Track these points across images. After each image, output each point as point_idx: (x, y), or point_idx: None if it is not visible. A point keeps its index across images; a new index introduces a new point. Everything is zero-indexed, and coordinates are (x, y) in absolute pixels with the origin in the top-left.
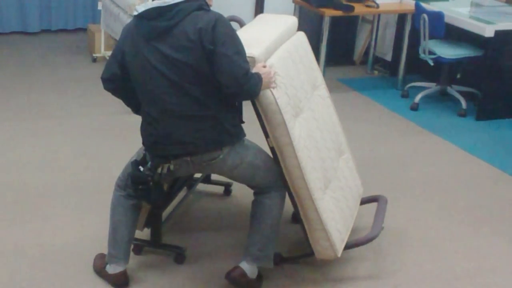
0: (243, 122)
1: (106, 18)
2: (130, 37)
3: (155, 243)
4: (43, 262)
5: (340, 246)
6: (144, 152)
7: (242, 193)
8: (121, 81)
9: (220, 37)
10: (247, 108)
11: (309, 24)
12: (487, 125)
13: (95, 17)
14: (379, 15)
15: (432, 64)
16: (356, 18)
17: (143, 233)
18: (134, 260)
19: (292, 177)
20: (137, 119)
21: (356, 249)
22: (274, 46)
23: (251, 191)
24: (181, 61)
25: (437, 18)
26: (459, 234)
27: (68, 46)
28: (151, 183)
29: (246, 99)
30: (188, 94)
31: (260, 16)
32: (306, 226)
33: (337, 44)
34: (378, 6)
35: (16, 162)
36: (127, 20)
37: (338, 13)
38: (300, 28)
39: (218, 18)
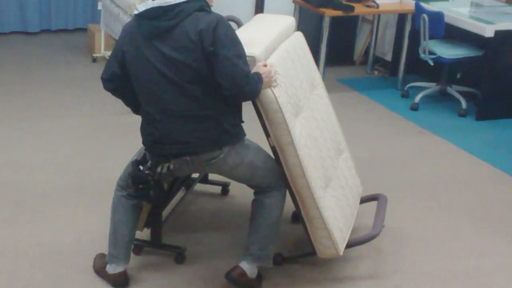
0: (242, 122)
1: (106, 18)
2: (130, 36)
3: (155, 244)
4: (43, 262)
5: (342, 245)
6: (144, 151)
7: (240, 192)
8: (121, 81)
9: (221, 39)
10: (247, 107)
11: (309, 24)
12: (487, 125)
13: (95, 17)
14: (379, 15)
15: (432, 64)
16: (356, 18)
17: (143, 234)
18: (134, 260)
19: (293, 176)
20: (137, 119)
21: (356, 248)
22: (273, 46)
23: (249, 191)
24: (181, 61)
25: (437, 18)
26: (459, 234)
27: (68, 46)
28: (151, 182)
29: (246, 100)
30: (188, 94)
31: (258, 16)
32: (307, 225)
33: (337, 44)
34: (378, 6)
35: (16, 162)
36: (127, 20)
37: (338, 13)
38: (300, 28)
39: (219, 19)
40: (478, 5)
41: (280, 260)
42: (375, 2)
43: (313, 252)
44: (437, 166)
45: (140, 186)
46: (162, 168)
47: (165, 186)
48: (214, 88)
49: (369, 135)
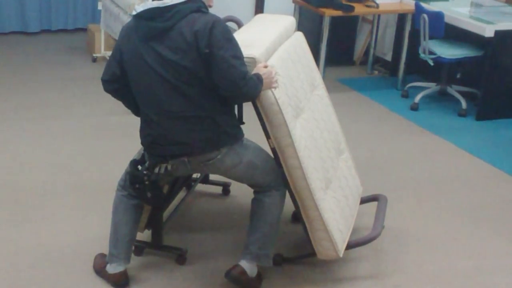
0: (243, 123)
1: (106, 18)
2: (128, 37)
3: (156, 245)
4: (43, 262)
5: (342, 246)
6: (143, 151)
7: (241, 192)
8: (121, 82)
9: (217, 41)
10: (247, 108)
11: (309, 24)
12: (487, 125)
13: (95, 17)
14: (379, 15)
15: (432, 64)
16: (356, 18)
17: (144, 235)
18: (134, 260)
19: (293, 178)
20: (137, 120)
21: (356, 249)
22: (274, 46)
23: (250, 191)
24: (177, 62)
25: (437, 18)
26: (459, 234)
27: (68, 46)
28: (147, 182)
29: (245, 101)
30: (185, 95)
31: (258, 16)
32: (307, 227)
33: (337, 44)
34: (378, 6)
35: (16, 162)
36: (127, 20)
37: (338, 13)
38: (300, 28)
39: (216, 21)
40: (478, 5)
41: (280, 260)
42: (375, 2)
43: (312, 253)
44: (437, 166)
45: (137, 186)
46: (159, 169)
47: (166, 187)
48: (211, 89)
49: (369, 135)
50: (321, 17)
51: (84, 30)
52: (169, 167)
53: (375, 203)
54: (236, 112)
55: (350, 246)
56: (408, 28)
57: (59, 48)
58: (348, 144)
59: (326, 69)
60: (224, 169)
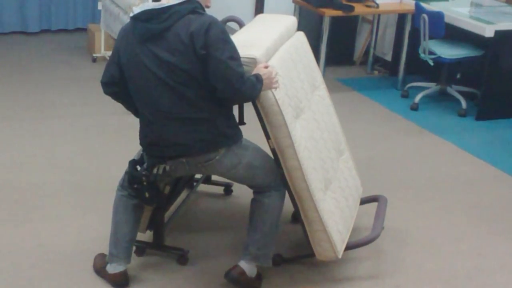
0: (244, 124)
1: (106, 18)
2: (126, 39)
3: (157, 246)
4: (43, 262)
5: (341, 247)
6: (142, 152)
7: (243, 193)
8: (121, 84)
9: (213, 42)
10: (248, 108)
11: (309, 24)
12: (487, 125)
13: (95, 17)
14: (379, 15)
15: (432, 64)
16: (356, 18)
17: (146, 235)
18: (135, 260)
19: (293, 179)
20: (137, 119)
21: (355, 249)
22: (275, 46)
23: (252, 191)
24: (174, 64)
25: (437, 18)
26: (459, 234)
27: (68, 46)
28: (145, 183)
29: (243, 102)
30: (182, 97)
31: (259, 16)
32: (306, 227)
33: (337, 44)
34: (378, 6)
35: (16, 162)
36: (127, 20)
37: (338, 13)
38: (300, 28)
39: (211, 22)
40: (478, 5)
41: (279, 261)
42: (375, 2)
43: (312, 254)
44: (437, 166)
45: (135, 186)
46: (158, 170)
47: (168, 188)
48: (208, 90)
49: (369, 135)
50: (321, 17)
51: (84, 30)
52: (167, 168)
53: (375, 203)
54: (237, 112)
55: (349, 247)
56: (408, 28)
57: (59, 48)
58: (348, 144)
59: (326, 69)
60: (222, 170)
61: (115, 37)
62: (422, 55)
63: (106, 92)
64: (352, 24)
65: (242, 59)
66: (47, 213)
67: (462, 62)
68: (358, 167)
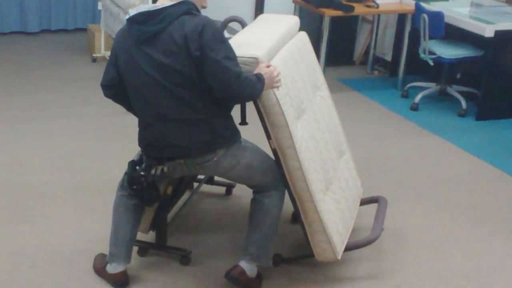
0: (246, 124)
1: (106, 18)
2: (122, 41)
3: (160, 246)
4: (43, 262)
5: (340, 248)
6: (141, 153)
7: (245, 193)
8: (120, 86)
9: (208, 43)
10: (249, 109)
11: (309, 24)
12: (487, 125)
13: (95, 17)
14: (379, 15)
15: (432, 64)
16: (356, 18)
17: (148, 236)
18: (137, 260)
19: (293, 179)
20: (137, 119)
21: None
22: (277, 46)
23: (252, 191)
24: (169, 65)
25: (437, 18)
26: (459, 234)
27: (68, 46)
28: (144, 184)
29: (242, 102)
30: (179, 98)
31: (261, 16)
32: (306, 228)
33: (337, 44)
34: (378, 6)
35: (16, 162)
36: None
37: (338, 13)
38: (300, 28)
39: (206, 23)
40: (478, 5)
41: (279, 261)
42: (375, 2)
43: (311, 255)
44: (437, 166)
45: (134, 186)
46: (156, 171)
47: (170, 188)
48: (204, 91)
49: (369, 135)
50: (321, 17)
51: (84, 30)
52: (165, 169)
53: (375, 204)
54: (239, 112)
55: (348, 248)
56: (408, 28)
57: (59, 48)
58: (348, 144)
59: (326, 69)
60: (221, 171)
61: None
62: (422, 55)
63: (106, 94)
64: (352, 24)
65: (244, 59)
66: (47, 213)
67: (462, 62)
68: (358, 167)
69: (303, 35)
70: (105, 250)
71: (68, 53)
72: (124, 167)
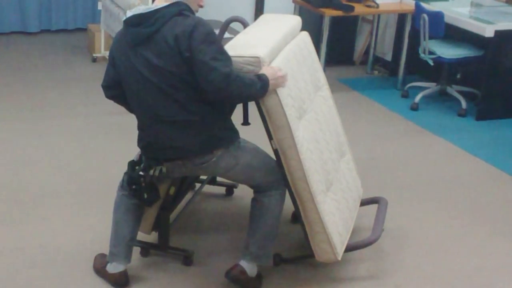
0: (248, 124)
1: (106, 18)
2: (119, 43)
3: (163, 247)
4: (43, 262)
5: (340, 249)
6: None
7: (246, 193)
8: (120, 87)
9: (197, 44)
10: (251, 109)
11: (309, 24)
12: (487, 125)
13: (95, 17)
14: (379, 15)
15: (432, 64)
16: (356, 18)
17: (150, 236)
18: (139, 260)
19: (294, 180)
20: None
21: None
22: (279, 46)
23: (253, 190)
24: (163, 67)
25: (437, 18)
26: (459, 234)
27: (68, 46)
28: (143, 184)
29: (237, 102)
30: (173, 100)
31: (263, 16)
32: (307, 229)
33: (337, 44)
34: (378, 6)
35: (16, 162)
36: None
37: (338, 13)
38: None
39: (196, 24)
40: (478, 5)
41: (278, 261)
42: (375, 2)
43: (311, 255)
44: (437, 166)
45: (133, 186)
46: (155, 171)
47: (173, 189)
48: (199, 92)
49: (369, 135)
50: (321, 17)
51: (84, 30)
52: (164, 170)
53: (376, 204)
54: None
55: (348, 249)
56: (408, 28)
57: (59, 48)
58: (349, 144)
59: (326, 69)
60: (220, 171)
61: None
62: (422, 55)
63: (107, 95)
64: (352, 24)
65: (246, 58)
66: (47, 213)
67: (462, 62)
68: (358, 167)
69: (305, 35)
70: (105, 250)
71: (68, 53)
72: (124, 167)
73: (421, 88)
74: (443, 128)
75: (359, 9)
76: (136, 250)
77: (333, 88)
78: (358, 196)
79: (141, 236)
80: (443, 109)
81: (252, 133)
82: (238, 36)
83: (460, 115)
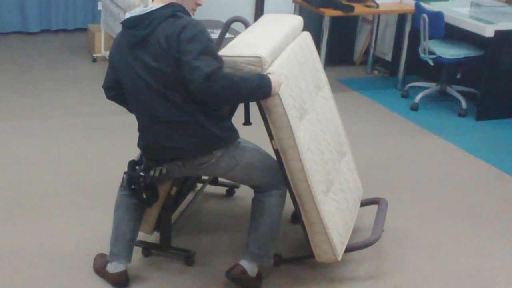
0: (250, 124)
1: (106, 18)
2: (118, 45)
3: (164, 247)
4: (43, 262)
5: (340, 250)
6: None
7: (247, 193)
8: (121, 88)
9: (184, 45)
10: (252, 109)
11: (309, 24)
12: (487, 125)
13: (95, 17)
14: (379, 15)
15: (432, 64)
16: (356, 18)
17: (152, 236)
18: (140, 260)
19: (295, 180)
20: None
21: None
22: (281, 46)
23: (253, 190)
24: (157, 68)
25: (437, 18)
26: (459, 234)
27: (68, 46)
28: (142, 184)
29: (226, 102)
30: (170, 101)
31: (265, 16)
32: (307, 229)
33: (337, 44)
34: (378, 6)
35: (17, 162)
36: None
37: (338, 13)
38: None
39: (186, 25)
40: (478, 5)
41: (279, 261)
42: (375, 2)
43: (311, 255)
44: (437, 166)
45: (133, 187)
46: (154, 172)
47: (174, 189)
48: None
49: (369, 135)
50: (321, 17)
51: (84, 30)
52: (163, 171)
53: (376, 205)
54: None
55: (348, 249)
56: (408, 28)
57: (59, 48)
58: (349, 145)
59: (326, 69)
60: (220, 171)
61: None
62: (422, 55)
63: (108, 96)
64: (352, 24)
65: (247, 58)
66: (47, 213)
67: (462, 62)
68: (358, 167)
69: (307, 35)
70: (105, 250)
71: (68, 53)
72: (124, 167)
73: (421, 88)
74: (443, 128)
75: (359, 9)
76: (138, 250)
77: (333, 88)
78: (358, 196)
79: (143, 236)
80: (443, 109)
81: (252, 133)
82: (240, 36)
83: (460, 115)
